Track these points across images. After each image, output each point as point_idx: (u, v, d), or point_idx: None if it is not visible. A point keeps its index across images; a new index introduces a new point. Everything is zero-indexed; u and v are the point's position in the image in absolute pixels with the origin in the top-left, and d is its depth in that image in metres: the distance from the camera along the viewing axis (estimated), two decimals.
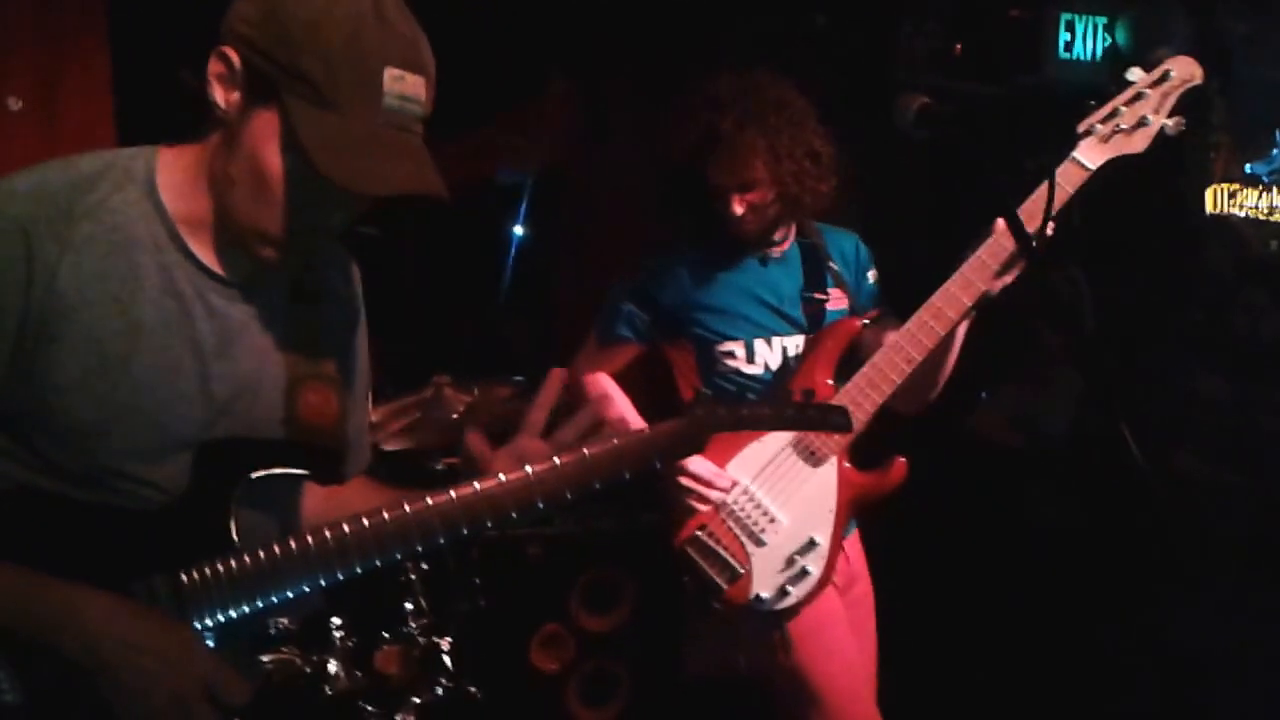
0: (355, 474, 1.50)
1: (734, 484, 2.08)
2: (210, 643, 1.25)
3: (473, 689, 2.85)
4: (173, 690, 1.18)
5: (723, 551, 2.07)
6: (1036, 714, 3.07)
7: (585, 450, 1.31)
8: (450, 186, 1.22)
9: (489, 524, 1.30)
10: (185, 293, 1.27)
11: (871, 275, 2.32)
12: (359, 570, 1.28)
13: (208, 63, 1.21)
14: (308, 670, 2.47)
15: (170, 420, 1.26)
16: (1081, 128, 2.04)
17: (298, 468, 1.35)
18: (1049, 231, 1.85)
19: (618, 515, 3.26)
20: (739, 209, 2.11)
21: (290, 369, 1.35)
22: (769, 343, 2.19)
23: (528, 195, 4.23)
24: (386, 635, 2.72)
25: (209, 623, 1.25)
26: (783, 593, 2.07)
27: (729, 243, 2.19)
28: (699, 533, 2.08)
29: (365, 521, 1.28)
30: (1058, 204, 1.99)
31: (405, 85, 1.19)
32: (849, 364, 2.13)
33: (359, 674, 2.59)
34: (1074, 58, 3.90)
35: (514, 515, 1.30)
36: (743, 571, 2.07)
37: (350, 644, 2.58)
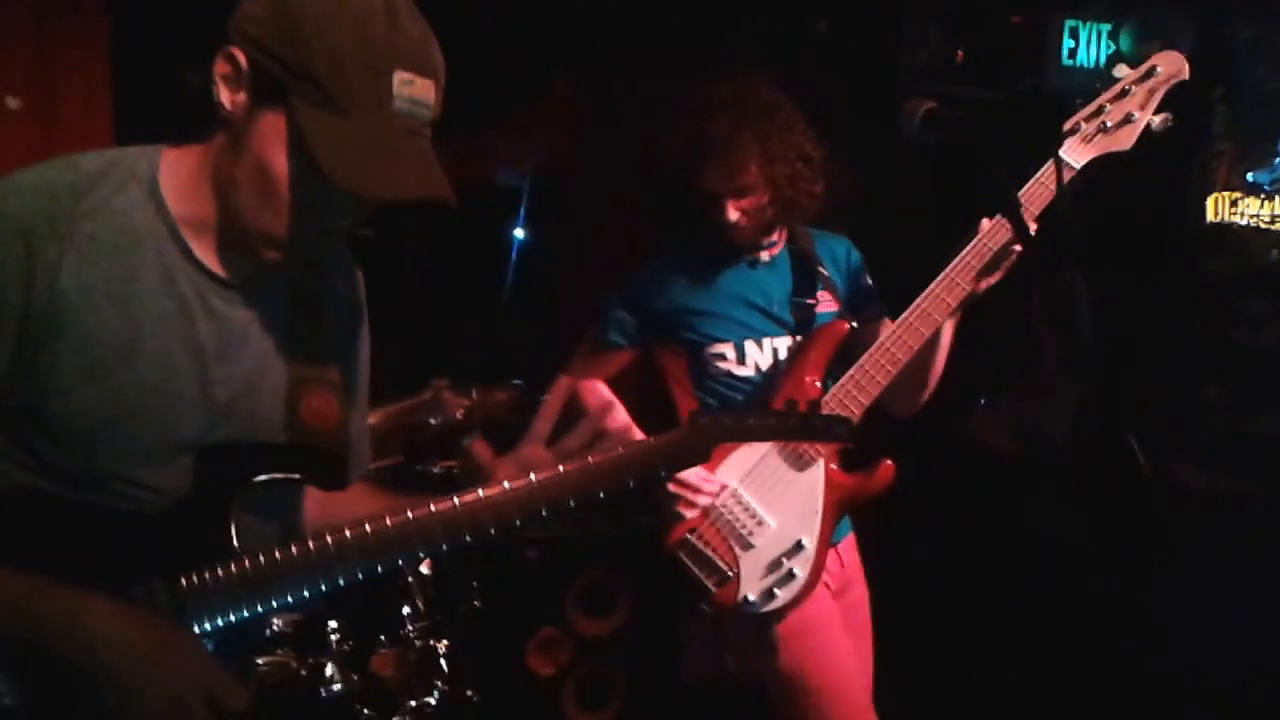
0: (356, 477, 1.50)
1: (723, 488, 2.08)
2: (209, 647, 1.24)
3: (469, 692, 2.85)
4: (171, 695, 1.17)
5: (711, 555, 2.07)
6: None
7: (590, 459, 1.31)
8: (452, 188, 1.21)
9: (492, 531, 1.29)
10: (186, 295, 1.26)
11: (866, 278, 2.32)
12: (360, 575, 1.27)
13: (212, 63, 1.20)
14: (304, 673, 2.46)
15: (170, 423, 1.25)
16: (1067, 126, 2.05)
17: (299, 472, 1.34)
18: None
19: (614, 519, 3.25)
20: (733, 214, 2.11)
21: (291, 372, 1.34)
22: (759, 344, 2.19)
23: (528, 197, 4.22)
24: (383, 638, 2.71)
25: (208, 627, 1.24)
26: (770, 595, 2.07)
27: (719, 247, 2.20)
28: (688, 536, 2.08)
29: (367, 527, 1.27)
30: (1044, 204, 2.00)
31: (415, 89, 1.18)
32: (839, 366, 2.13)
33: (355, 677, 2.59)
34: (1077, 64, 3.91)
35: (518, 522, 1.29)
36: (731, 575, 2.07)
37: (347, 647, 2.58)
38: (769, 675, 2.14)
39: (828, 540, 2.12)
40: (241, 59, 1.18)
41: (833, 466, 2.13)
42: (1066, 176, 2.03)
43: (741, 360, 2.19)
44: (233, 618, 1.24)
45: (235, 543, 1.26)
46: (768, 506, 2.09)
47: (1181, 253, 4.05)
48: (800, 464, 2.11)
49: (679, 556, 2.09)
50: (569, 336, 2.50)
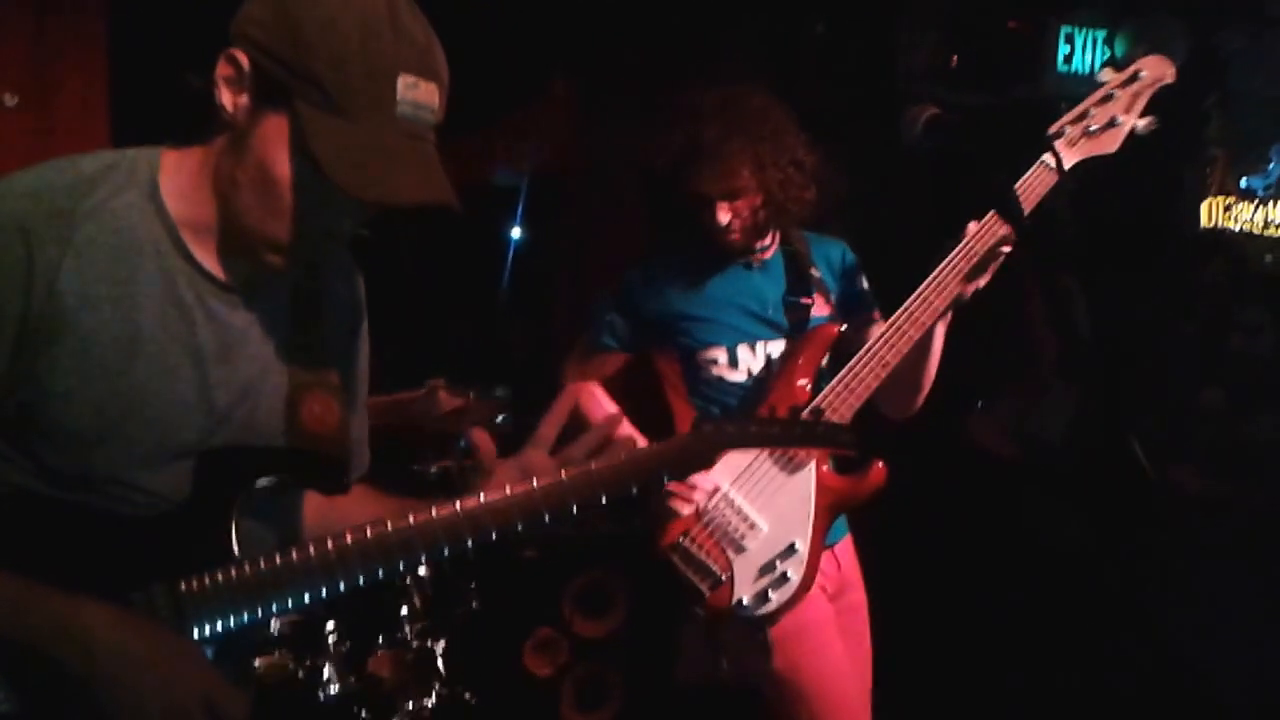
0: (355, 480, 1.49)
1: (715, 490, 2.08)
2: (208, 652, 1.23)
3: (466, 693, 2.85)
4: (170, 702, 1.16)
5: (704, 558, 2.07)
6: None
7: (594, 465, 1.30)
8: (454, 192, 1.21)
9: (494, 536, 1.28)
10: (186, 298, 1.25)
11: (862, 281, 2.32)
12: (361, 581, 1.27)
13: (213, 64, 1.19)
14: (301, 674, 2.46)
15: (170, 427, 1.24)
16: (1052, 130, 2.05)
17: (299, 476, 1.33)
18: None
19: (612, 520, 3.25)
20: (725, 218, 2.11)
21: (292, 376, 1.33)
22: (752, 348, 2.19)
23: (526, 197, 4.22)
24: (380, 639, 2.71)
25: (207, 632, 1.23)
26: (764, 598, 2.07)
27: (712, 251, 2.20)
28: (681, 539, 2.08)
29: (368, 532, 1.26)
30: (1029, 207, 2.00)
31: (418, 93, 1.17)
32: (833, 369, 2.13)
33: (353, 678, 2.58)
34: (1073, 70, 3.91)
35: (520, 528, 1.29)
36: (724, 578, 2.07)
37: (344, 648, 2.58)
38: (764, 678, 2.14)
39: (821, 542, 2.11)
40: (244, 61, 1.17)
41: (824, 469, 2.12)
42: (1053, 180, 2.02)
43: (734, 364, 2.18)
44: (232, 623, 1.24)
45: (235, 547, 1.25)
46: (760, 509, 2.09)
47: (1178, 257, 4.06)
48: (792, 466, 2.10)
49: (672, 560, 2.08)
50: (566, 336, 2.50)
